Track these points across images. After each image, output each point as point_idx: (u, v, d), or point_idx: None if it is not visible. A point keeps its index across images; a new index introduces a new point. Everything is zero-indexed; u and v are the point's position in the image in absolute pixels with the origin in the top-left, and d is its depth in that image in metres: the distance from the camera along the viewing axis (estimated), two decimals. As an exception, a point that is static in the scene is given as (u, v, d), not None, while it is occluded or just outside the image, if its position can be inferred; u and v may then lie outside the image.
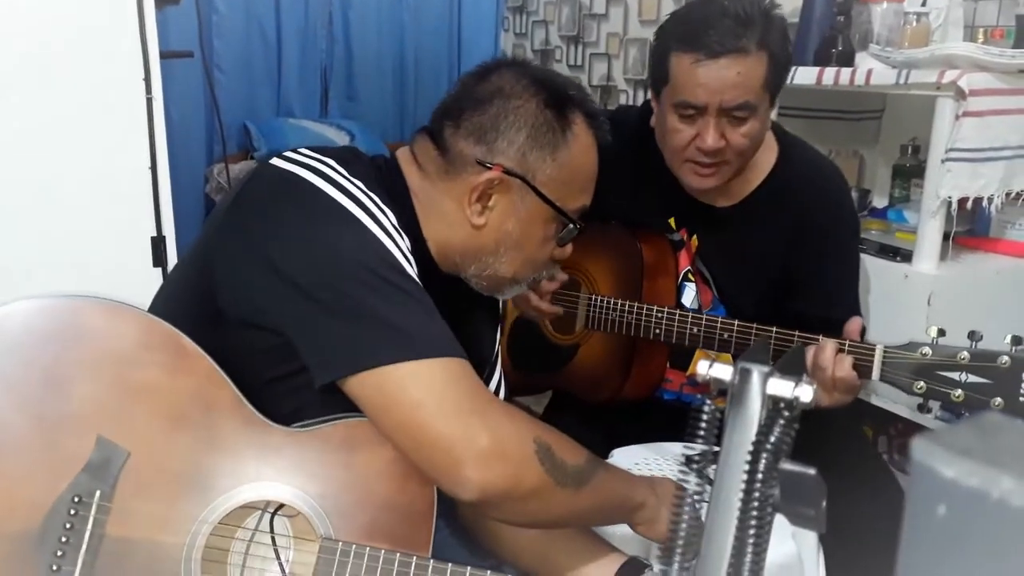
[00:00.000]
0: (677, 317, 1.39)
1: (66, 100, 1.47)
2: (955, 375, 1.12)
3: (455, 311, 1.11)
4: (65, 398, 0.88)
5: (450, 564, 0.93)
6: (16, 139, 1.45)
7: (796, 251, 1.41)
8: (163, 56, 1.57)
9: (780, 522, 0.43)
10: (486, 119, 1.00)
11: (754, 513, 0.37)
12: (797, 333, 1.27)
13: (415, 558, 0.93)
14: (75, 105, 1.48)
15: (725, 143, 1.30)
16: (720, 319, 1.36)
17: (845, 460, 1.35)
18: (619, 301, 1.45)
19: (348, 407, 0.96)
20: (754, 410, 0.39)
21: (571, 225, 1.05)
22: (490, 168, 0.98)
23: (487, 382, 1.17)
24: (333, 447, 0.95)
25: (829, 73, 1.77)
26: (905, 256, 1.71)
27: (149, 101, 1.54)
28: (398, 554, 0.92)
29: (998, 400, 1.10)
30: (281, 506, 0.94)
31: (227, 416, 0.92)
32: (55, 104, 1.46)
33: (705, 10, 1.30)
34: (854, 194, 1.94)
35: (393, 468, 0.95)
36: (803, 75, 1.79)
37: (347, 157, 1.00)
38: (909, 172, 2.00)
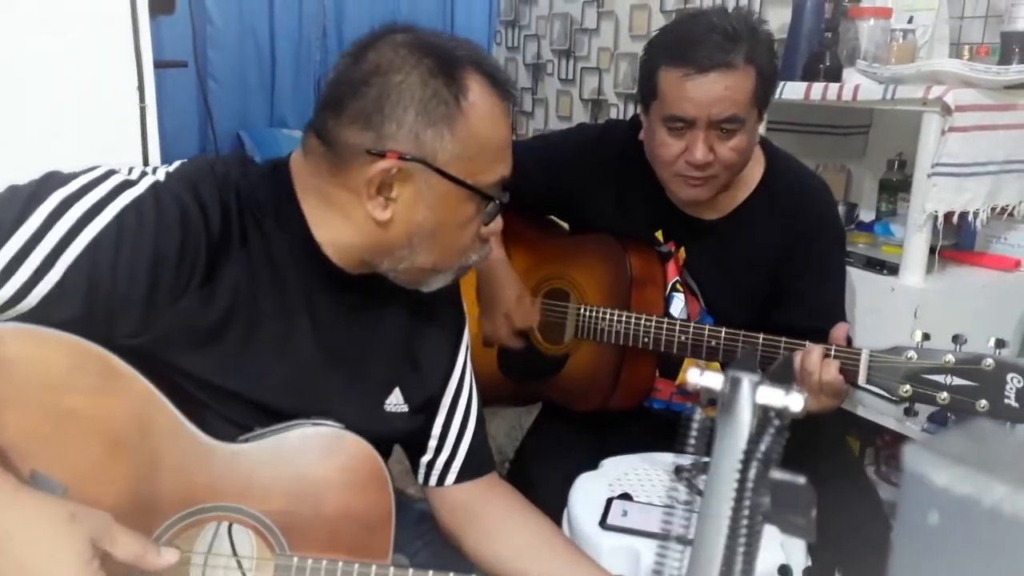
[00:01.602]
0: (666, 325, 1.40)
1: (59, 108, 1.47)
2: (940, 378, 1.13)
3: (390, 318, 1.03)
4: None
5: (411, 568, 0.91)
6: (8, 147, 1.44)
7: (783, 263, 1.43)
8: (157, 65, 1.58)
9: (768, 532, 0.43)
10: (368, 102, 0.88)
11: (744, 522, 0.37)
12: (784, 340, 1.29)
13: (374, 566, 0.90)
14: (68, 113, 1.48)
15: (713, 156, 1.32)
16: (708, 327, 1.38)
17: (827, 470, 1.36)
18: (608, 310, 1.46)
19: (280, 415, 0.94)
20: (744, 419, 0.39)
21: (493, 201, 0.95)
22: (382, 156, 0.88)
23: (457, 394, 1.12)
24: (283, 459, 0.92)
25: (817, 88, 1.78)
26: (892, 269, 1.72)
27: (143, 110, 1.54)
28: (356, 564, 0.89)
29: (983, 402, 1.10)
30: (232, 525, 0.91)
31: (167, 437, 0.87)
32: (48, 112, 1.46)
33: (693, 25, 1.32)
34: (841, 208, 1.96)
35: (345, 476, 0.92)
36: (791, 90, 1.81)
37: (209, 165, 0.95)
38: (895, 186, 2.02)
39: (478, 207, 0.95)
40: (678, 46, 1.30)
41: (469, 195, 0.93)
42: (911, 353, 1.16)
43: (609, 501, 1.25)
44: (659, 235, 1.50)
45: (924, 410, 1.49)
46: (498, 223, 0.99)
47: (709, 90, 1.28)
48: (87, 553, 0.76)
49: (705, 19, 1.31)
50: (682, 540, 0.45)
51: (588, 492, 1.30)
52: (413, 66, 0.89)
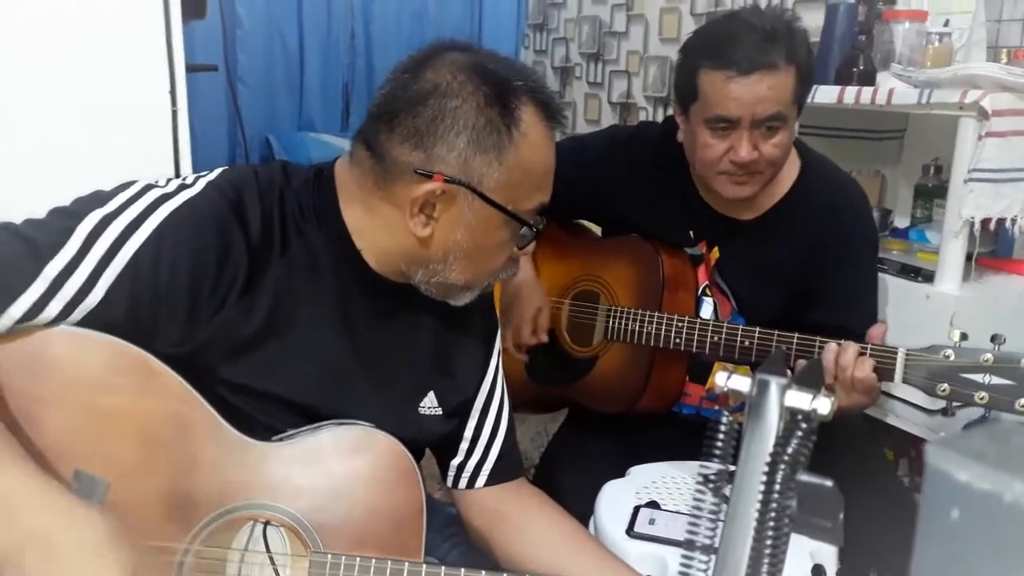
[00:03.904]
0: (698, 325, 1.40)
1: (93, 111, 1.49)
2: (979, 377, 1.12)
3: (423, 325, 1.05)
4: (39, 432, 0.84)
5: (443, 567, 0.92)
6: (41, 150, 1.47)
7: (816, 264, 1.42)
8: (188, 69, 1.59)
9: (798, 541, 0.42)
10: (422, 122, 0.90)
11: (771, 525, 0.36)
12: (818, 339, 1.28)
13: (407, 564, 0.91)
14: (102, 116, 1.50)
15: (758, 154, 1.32)
16: (741, 327, 1.37)
17: (860, 475, 1.34)
18: (639, 311, 1.46)
19: (316, 417, 0.95)
20: (772, 422, 0.38)
21: (528, 227, 0.97)
22: (430, 177, 0.90)
23: (490, 398, 1.13)
24: (315, 458, 0.93)
25: (850, 92, 1.76)
26: (927, 276, 1.69)
27: (174, 113, 1.56)
28: (389, 561, 0.90)
29: (1022, 402, 1.09)
30: (268, 523, 0.92)
31: (204, 436, 0.90)
32: (82, 115, 1.48)
33: (730, 26, 1.32)
34: (875, 214, 1.93)
35: (377, 474, 0.94)
36: (824, 94, 1.79)
37: (253, 174, 0.96)
38: (931, 192, 1.98)
39: (514, 232, 0.97)
40: (718, 47, 1.30)
41: (507, 220, 0.95)
42: (948, 352, 1.15)
43: (636, 509, 1.24)
44: (691, 235, 1.49)
45: (960, 420, 1.46)
46: (530, 247, 1.01)
47: (753, 90, 1.28)
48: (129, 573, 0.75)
49: (742, 19, 1.32)
50: (709, 549, 0.44)
51: (615, 500, 1.28)
52: (470, 93, 0.90)
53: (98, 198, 0.89)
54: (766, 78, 1.28)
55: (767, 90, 1.28)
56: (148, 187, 0.91)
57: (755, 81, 1.27)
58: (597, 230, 1.68)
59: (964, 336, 1.14)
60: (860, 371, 1.20)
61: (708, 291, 1.49)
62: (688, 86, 1.34)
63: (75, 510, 0.76)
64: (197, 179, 0.94)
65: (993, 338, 1.12)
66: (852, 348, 1.21)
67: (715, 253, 1.48)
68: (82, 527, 0.75)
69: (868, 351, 1.22)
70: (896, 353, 1.20)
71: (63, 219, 0.87)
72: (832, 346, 1.24)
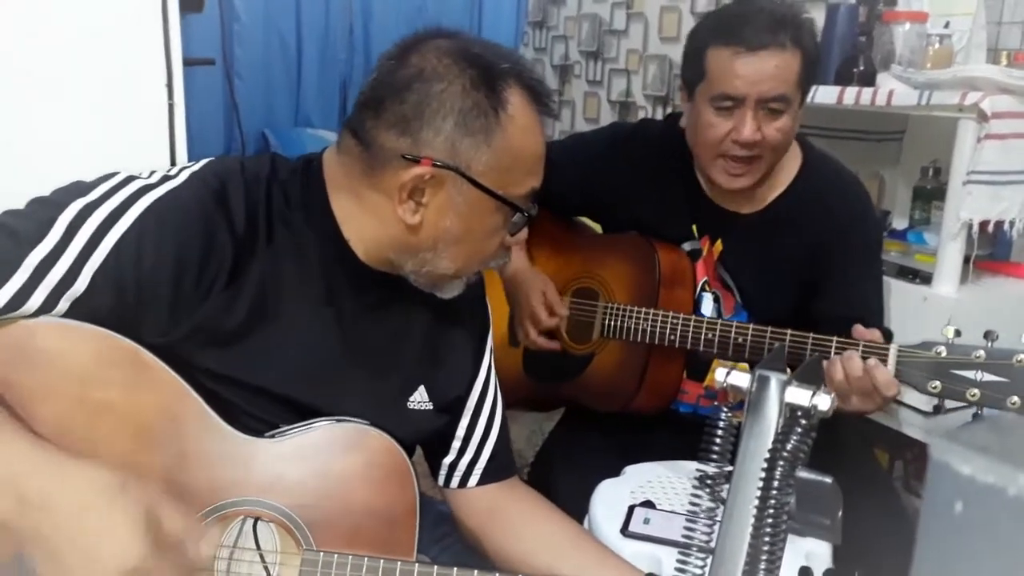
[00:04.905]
0: (692, 322, 1.40)
1: (89, 104, 1.48)
2: (971, 374, 1.12)
3: (414, 318, 1.04)
4: (30, 425, 0.83)
5: (436, 566, 0.91)
6: (37, 142, 1.46)
7: (819, 255, 1.43)
8: (185, 63, 1.58)
9: (792, 548, 0.42)
10: (408, 108, 0.89)
11: (769, 520, 0.36)
12: (811, 336, 1.28)
13: (399, 562, 0.90)
14: (98, 109, 1.49)
15: (760, 136, 1.32)
16: (735, 324, 1.37)
17: (851, 479, 1.35)
18: (634, 308, 1.45)
19: (303, 410, 0.95)
20: (771, 418, 0.38)
21: (520, 213, 0.95)
22: (417, 162, 0.89)
23: (483, 396, 1.12)
24: (308, 454, 0.93)
25: (850, 93, 1.76)
26: (924, 279, 1.70)
27: (171, 107, 1.55)
28: (381, 560, 0.90)
29: (1014, 399, 1.09)
30: (258, 520, 0.92)
31: (196, 431, 0.89)
32: (78, 108, 1.48)
33: (741, 9, 1.35)
34: (874, 214, 1.93)
35: (370, 472, 0.93)
36: (824, 94, 1.79)
37: (240, 166, 0.95)
38: (930, 194, 1.98)
39: (506, 218, 0.95)
40: (727, 26, 1.32)
41: (498, 206, 0.93)
42: (940, 348, 1.15)
43: (631, 508, 1.23)
44: (694, 229, 1.49)
45: (956, 421, 1.46)
46: (522, 234, 1.00)
47: (759, 68, 1.29)
48: (142, 524, 0.76)
49: (752, 5, 1.34)
50: (704, 549, 0.44)
51: (609, 499, 1.28)
52: (456, 76, 0.89)
53: (79, 188, 0.89)
54: (773, 57, 1.29)
55: (773, 68, 1.29)
56: (130, 178, 0.91)
57: (762, 59, 1.29)
58: (597, 228, 1.68)
59: (958, 333, 1.13)
60: (881, 375, 1.18)
61: (708, 286, 1.49)
62: (696, 66, 1.36)
63: (65, 468, 0.77)
64: (181, 171, 0.93)
65: (986, 334, 1.11)
66: (856, 360, 1.19)
67: (718, 246, 1.48)
68: (79, 482, 0.76)
69: (860, 348, 1.21)
70: (888, 350, 1.20)
71: (44, 209, 0.86)
72: (836, 369, 1.20)
